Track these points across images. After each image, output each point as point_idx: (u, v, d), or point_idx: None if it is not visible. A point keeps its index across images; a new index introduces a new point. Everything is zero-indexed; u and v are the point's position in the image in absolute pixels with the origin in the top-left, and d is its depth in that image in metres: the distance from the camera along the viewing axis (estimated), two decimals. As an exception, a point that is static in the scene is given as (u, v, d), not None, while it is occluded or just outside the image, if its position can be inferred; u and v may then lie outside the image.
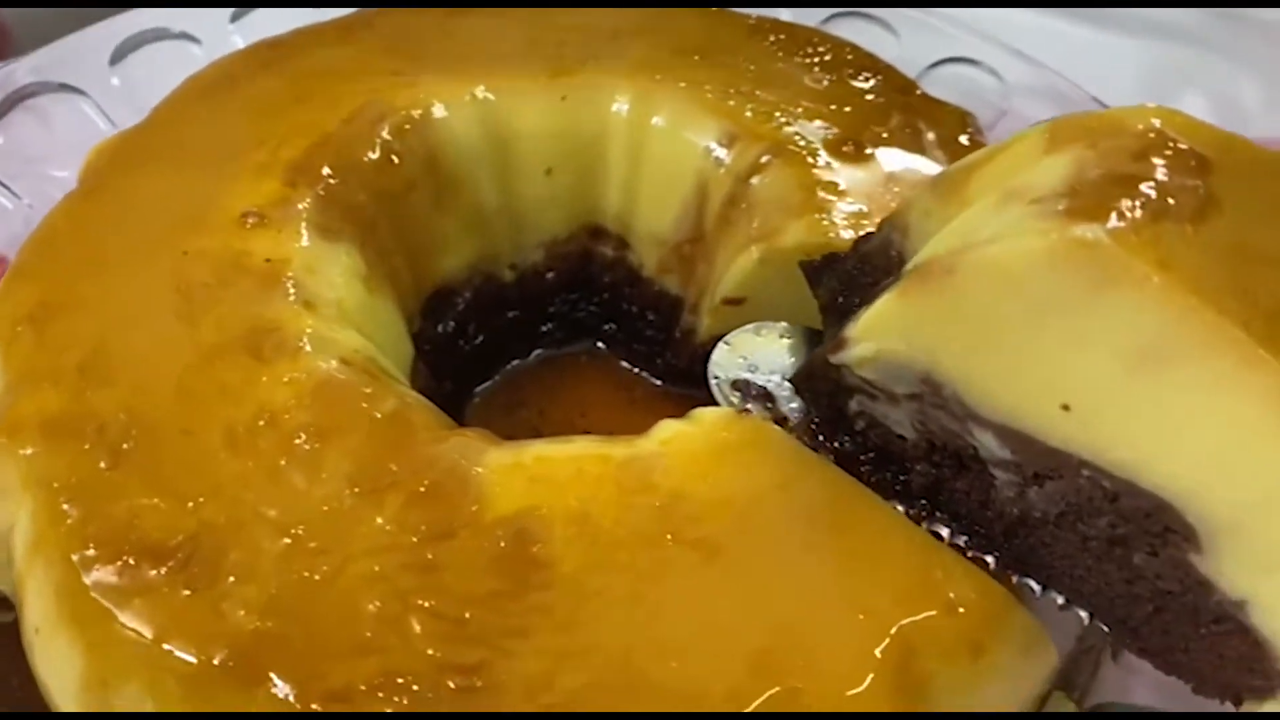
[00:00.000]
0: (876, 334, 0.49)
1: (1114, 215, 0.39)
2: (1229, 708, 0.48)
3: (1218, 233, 0.39)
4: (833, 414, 0.54)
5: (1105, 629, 0.50)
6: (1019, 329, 0.43)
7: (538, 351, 0.82)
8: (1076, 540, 0.48)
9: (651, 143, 0.74)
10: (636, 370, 0.81)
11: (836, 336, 0.51)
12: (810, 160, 0.69)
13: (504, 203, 0.75)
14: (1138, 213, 0.39)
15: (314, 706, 0.46)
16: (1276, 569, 0.42)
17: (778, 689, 0.47)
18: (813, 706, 0.47)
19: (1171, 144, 0.42)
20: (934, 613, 0.49)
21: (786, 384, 0.57)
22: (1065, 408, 0.44)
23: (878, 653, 0.48)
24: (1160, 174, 0.41)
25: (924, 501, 0.52)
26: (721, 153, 0.71)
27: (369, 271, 0.66)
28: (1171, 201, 0.39)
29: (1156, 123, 0.44)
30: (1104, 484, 0.45)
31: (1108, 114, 0.47)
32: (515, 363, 0.81)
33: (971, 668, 0.50)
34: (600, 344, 0.83)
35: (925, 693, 0.49)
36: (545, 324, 0.81)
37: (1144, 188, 0.40)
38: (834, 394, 0.53)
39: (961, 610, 0.49)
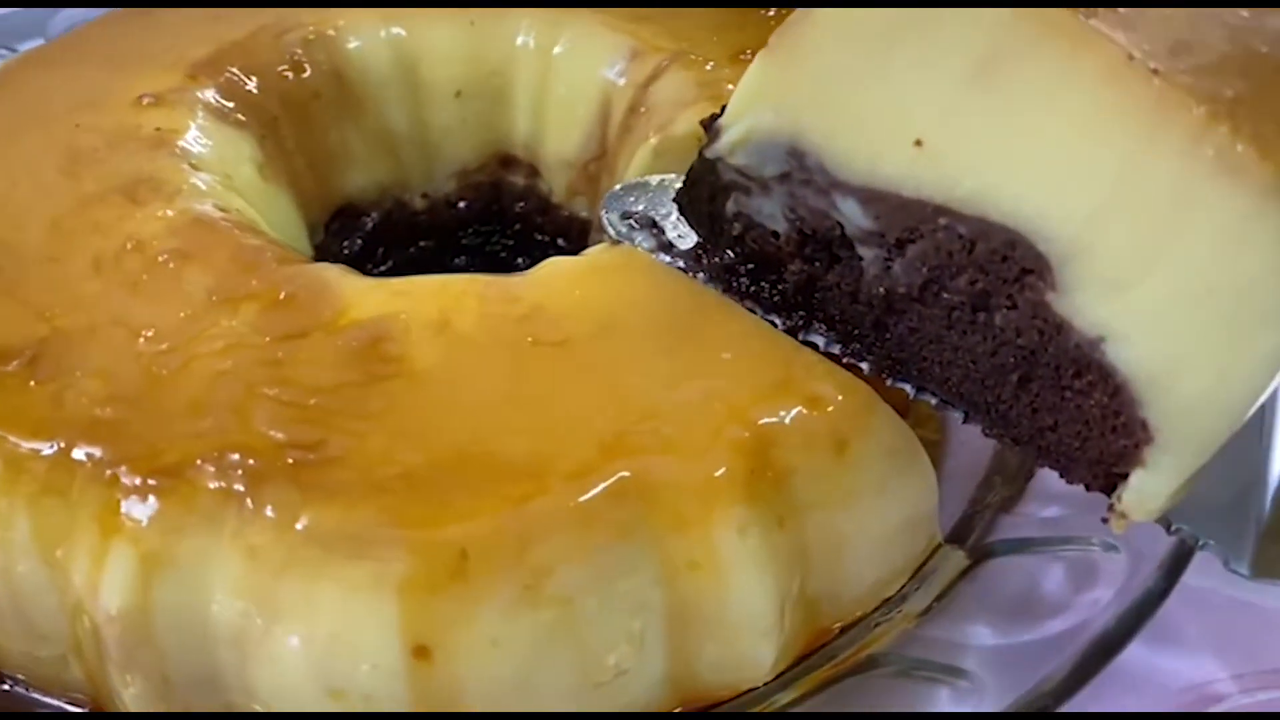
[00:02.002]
0: (745, 109, 0.49)
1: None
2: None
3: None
4: (712, 225, 0.54)
5: (980, 423, 0.49)
6: (867, 64, 0.44)
7: (449, 284, 0.82)
8: (941, 315, 0.47)
9: (557, 66, 0.75)
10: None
11: (710, 129, 0.51)
12: (707, 66, 0.71)
13: (414, 129, 0.76)
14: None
15: (149, 483, 0.45)
16: (1124, 286, 0.41)
17: (628, 470, 0.45)
18: (665, 488, 0.45)
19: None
20: (795, 407, 0.48)
21: (672, 214, 0.57)
22: (918, 143, 0.44)
23: (736, 440, 0.47)
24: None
25: (799, 312, 0.52)
26: (624, 66, 0.73)
27: (265, 161, 0.67)
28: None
29: None
30: (960, 231, 0.45)
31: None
32: (426, 294, 0.81)
33: (835, 463, 0.48)
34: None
35: (786, 486, 0.48)
36: (458, 256, 0.81)
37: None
38: (713, 197, 0.53)
39: (823, 405, 0.48)
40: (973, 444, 0.63)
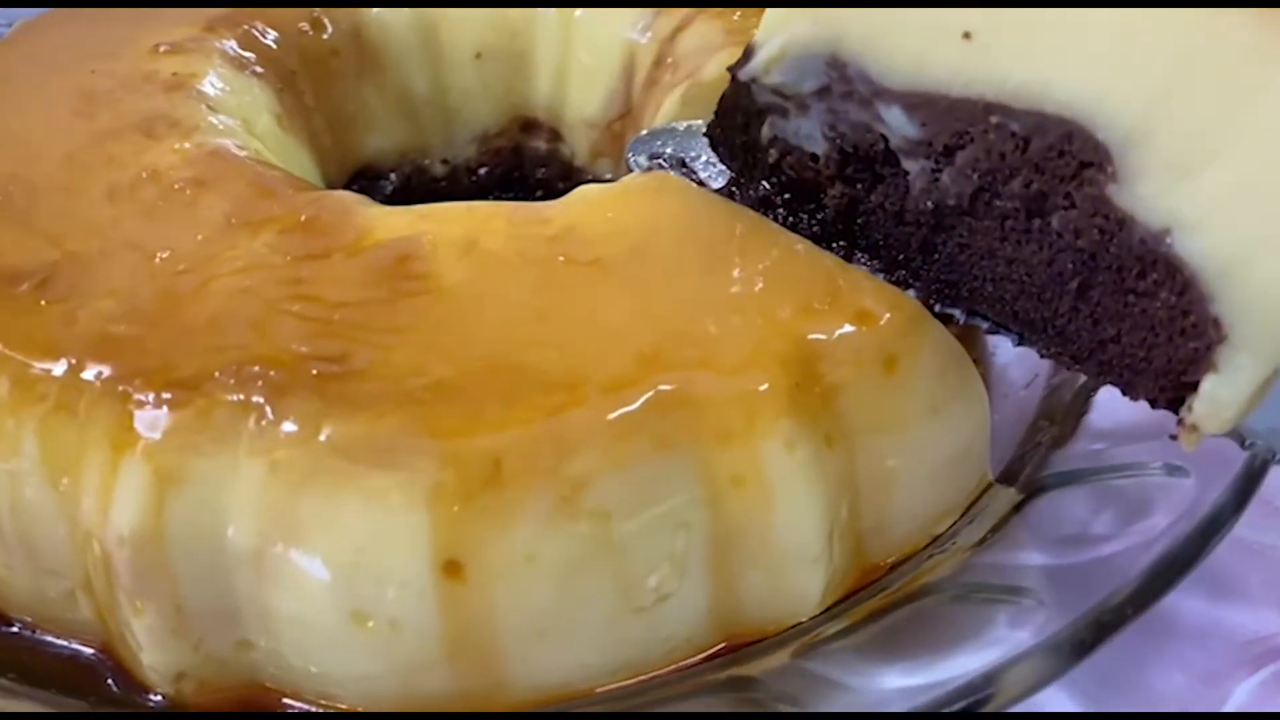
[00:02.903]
0: (782, 22, 0.48)
1: None
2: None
3: None
4: (746, 155, 0.52)
5: (1037, 344, 0.47)
6: None
7: (470, 253, 0.80)
8: (994, 226, 0.45)
9: (579, 26, 0.74)
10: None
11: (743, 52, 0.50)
12: (735, 15, 0.69)
13: (433, 92, 0.75)
14: None
15: (164, 396, 0.42)
16: (1192, 170, 0.39)
17: (668, 382, 0.43)
18: (706, 401, 0.43)
19: None
20: (842, 322, 0.46)
21: (702, 155, 0.55)
22: (966, 36, 0.43)
23: (780, 354, 0.44)
24: None
25: (841, 241, 0.50)
26: (647, 21, 0.71)
27: (283, 112, 0.65)
28: None
29: None
30: (1013, 128, 0.43)
31: None
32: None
33: (884, 381, 0.46)
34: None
35: (833, 403, 0.45)
36: (478, 225, 0.79)
37: None
38: (747, 125, 0.51)
39: (871, 320, 0.46)
40: (1016, 395, 0.61)
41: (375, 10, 0.72)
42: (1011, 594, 0.44)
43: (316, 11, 0.70)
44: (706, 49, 0.67)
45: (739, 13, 0.69)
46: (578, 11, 0.74)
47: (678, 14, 0.70)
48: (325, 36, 0.70)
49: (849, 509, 0.46)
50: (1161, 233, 0.40)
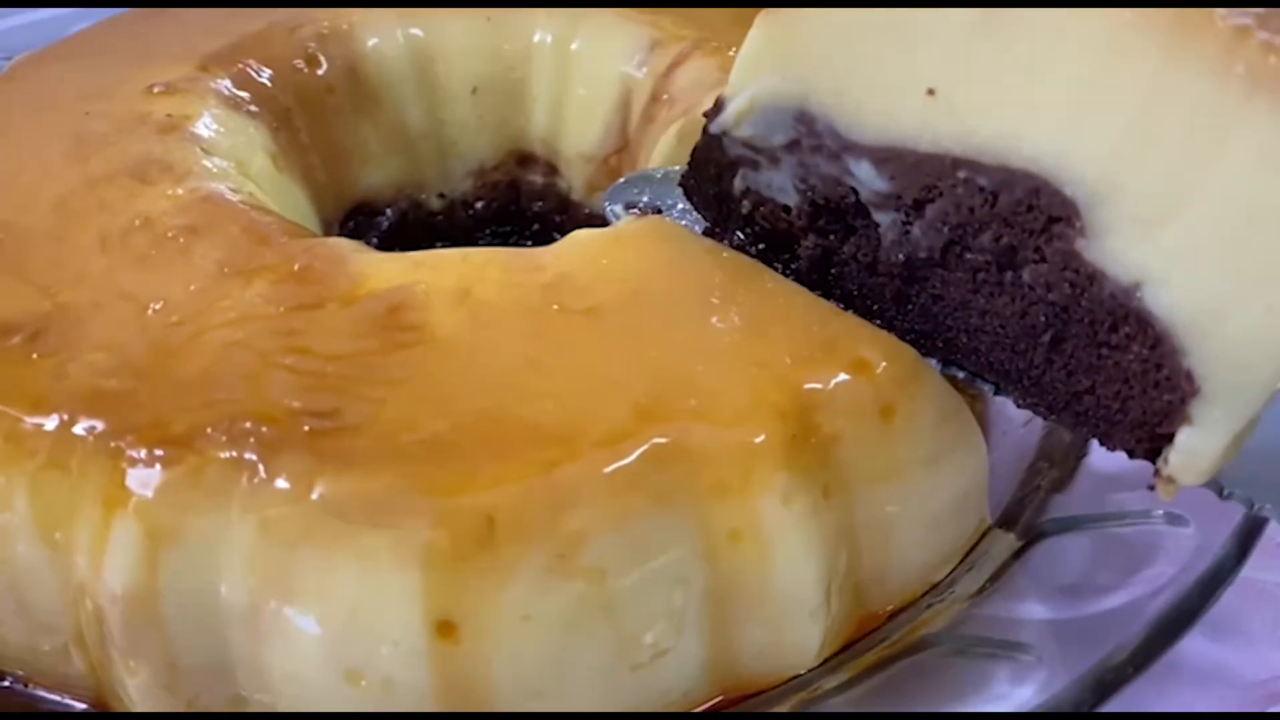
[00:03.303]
0: (749, 76, 0.48)
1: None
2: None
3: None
4: (720, 206, 0.52)
5: (1012, 395, 0.46)
6: (873, 17, 0.43)
7: (467, 286, 0.80)
8: (966, 279, 0.45)
9: (575, 60, 0.74)
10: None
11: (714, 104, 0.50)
12: (730, 52, 0.69)
13: (430, 126, 0.75)
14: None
15: (156, 453, 0.42)
16: (1158, 224, 0.39)
17: (664, 435, 0.43)
18: (703, 454, 0.43)
19: None
20: (839, 372, 0.45)
21: (677, 204, 0.55)
22: (930, 92, 0.42)
23: (776, 405, 0.44)
24: None
25: (817, 291, 0.50)
26: (643, 56, 0.71)
27: (279, 152, 0.65)
28: None
29: None
30: (980, 183, 0.43)
31: None
32: (443, 296, 0.79)
33: (882, 431, 0.45)
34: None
35: (831, 454, 0.45)
36: (475, 258, 0.79)
37: None
38: (719, 177, 0.51)
39: (868, 370, 0.46)
40: (1015, 433, 0.61)
41: (371, 43, 0.72)
42: (1012, 649, 0.43)
43: (312, 47, 0.70)
44: (702, 86, 0.67)
45: (733, 49, 0.69)
46: (574, 44, 0.74)
47: (673, 49, 0.70)
48: (320, 73, 0.70)
49: (847, 560, 0.46)
50: (1131, 287, 0.40)
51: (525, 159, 0.77)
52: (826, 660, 0.46)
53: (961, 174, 0.43)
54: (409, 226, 0.76)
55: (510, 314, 0.47)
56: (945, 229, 0.45)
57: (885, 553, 0.47)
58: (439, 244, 0.77)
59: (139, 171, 0.55)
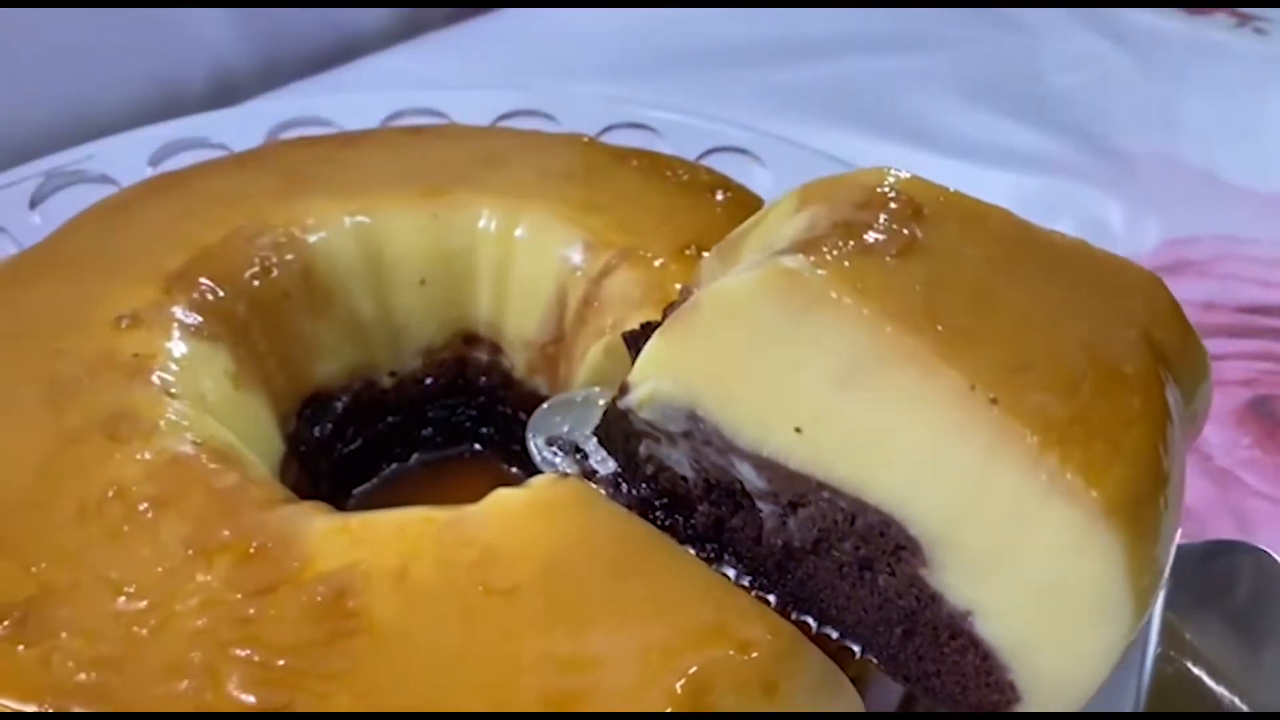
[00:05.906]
0: (649, 373, 0.54)
1: (822, 251, 0.44)
2: None
3: (917, 267, 0.45)
4: (629, 461, 0.58)
5: (874, 660, 0.53)
6: (749, 356, 0.49)
7: (417, 455, 0.86)
8: (833, 568, 0.52)
9: (516, 254, 0.80)
10: (514, 470, 0.85)
11: (622, 382, 0.55)
12: (656, 263, 0.75)
13: (380, 314, 0.81)
14: (846, 248, 0.44)
15: (127, 749, 0.49)
16: (988, 574, 0.46)
17: (569, 724, 0.49)
18: (605, 742, 0.49)
19: (893, 196, 0.48)
20: (727, 652, 0.52)
21: (594, 439, 0.61)
22: (798, 430, 0.49)
23: (673, 690, 0.50)
24: (877, 220, 0.46)
25: (712, 545, 0.56)
26: (578, 259, 0.77)
27: (238, 369, 0.71)
28: (879, 238, 0.45)
29: (889, 180, 0.50)
30: (841, 504, 0.49)
31: (849, 175, 0.53)
32: (394, 466, 0.85)
33: (766, 704, 0.52)
34: (479, 446, 0.87)
35: (719, 729, 0.51)
36: (425, 429, 0.85)
37: (858, 230, 0.45)
38: (626, 439, 0.57)
39: (753, 650, 0.52)
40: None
41: (320, 237, 0.78)
42: None
43: (269, 257, 0.75)
44: (627, 301, 0.73)
45: (659, 260, 0.75)
46: (518, 231, 0.80)
47: (605, 254, 0.76)
48: (274, 277, 0.76)
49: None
50: (965, 613, 0.48)
51: (471, 339, 0.83)
52: None
53: (825, 494, 0.50)
54: (362, 407, 0.82)
55: (440, 597, 0.53)
56: (815, 529, 0.52)
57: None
58: (390, 418, 0.84)
59: (110, 427, 0.61)
